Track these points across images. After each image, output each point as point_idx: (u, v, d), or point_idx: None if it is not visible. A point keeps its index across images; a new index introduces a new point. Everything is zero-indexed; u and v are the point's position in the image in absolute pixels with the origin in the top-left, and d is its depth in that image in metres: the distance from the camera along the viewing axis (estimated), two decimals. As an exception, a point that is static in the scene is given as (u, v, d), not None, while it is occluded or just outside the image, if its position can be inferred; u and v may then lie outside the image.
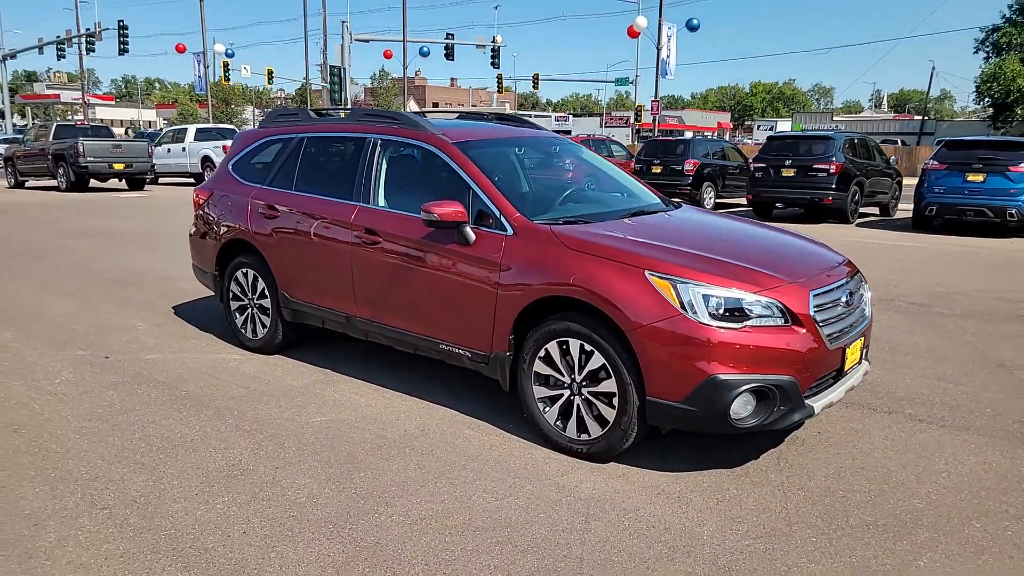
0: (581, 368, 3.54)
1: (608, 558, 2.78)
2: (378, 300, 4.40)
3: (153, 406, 4.30)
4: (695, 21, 25.05)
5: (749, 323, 3.20)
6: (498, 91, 55.13)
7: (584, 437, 3.58)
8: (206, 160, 22.57)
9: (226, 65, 43.12)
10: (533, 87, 56.30)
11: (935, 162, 12.98)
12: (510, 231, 3.82)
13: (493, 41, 42.79)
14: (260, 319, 5.24)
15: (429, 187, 4.33)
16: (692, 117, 75.22)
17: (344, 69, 37.32)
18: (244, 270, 5.26)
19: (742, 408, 3.20)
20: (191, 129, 23.77)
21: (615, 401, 3.42)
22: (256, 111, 78.47)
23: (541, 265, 3.61)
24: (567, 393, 3.63)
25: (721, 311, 3.21)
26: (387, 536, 2.93)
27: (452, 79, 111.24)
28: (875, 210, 16.37)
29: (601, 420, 3.51)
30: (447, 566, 2.72)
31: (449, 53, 40.71)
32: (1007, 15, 46.12)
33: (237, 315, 5.41)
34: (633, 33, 24.86)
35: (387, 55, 35.67)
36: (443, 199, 3.96)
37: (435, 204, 3.87)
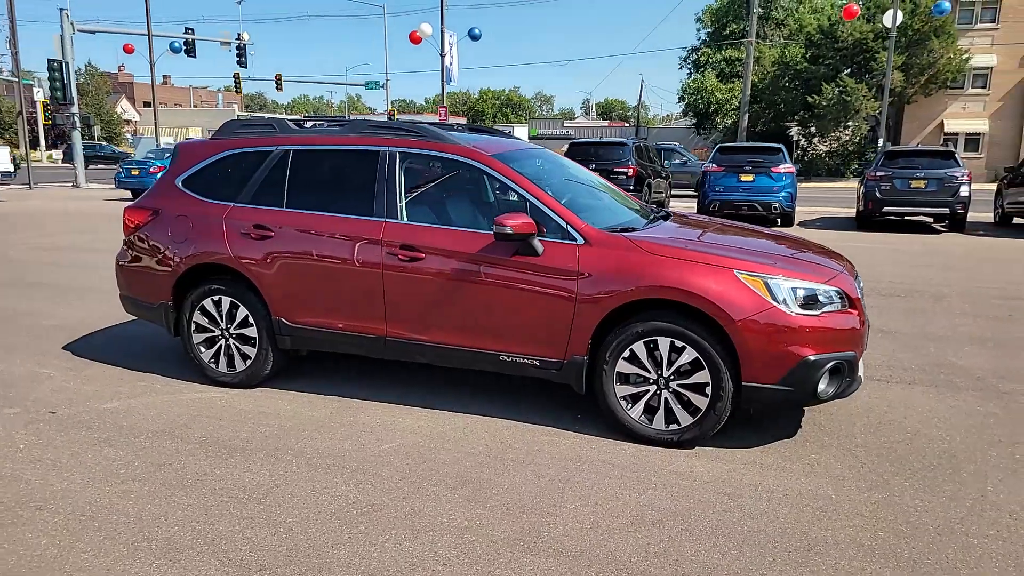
0: (670, 364, 3.85)
1: (786, 527, 3.15)
2: (420, 317, 4.30)
3: (184, 457, 3.80)
4: (476, 31, 26.07)
5: (824, 309, 3.77)
6: (236, 91, 52.02)
7: (673, 427, 3.90)
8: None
9: None
10: (277, 88, 53.89)
11: (714, 165, 15.04)
12: (580, 240, 4.01)
13: (239, 38, 40.33)
14: (240, 351, 4.77)
15: (474, 201, 4.34)
16: (430, 122, 77.09)
17: (66, 63, 32.73)
18: (216, 298, 4.74)
19: (824, 383, 3.76)
20: None
21: (707, 390, 3.80)
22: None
23: (629, 271, 3.86)
24: (653, 388, 3.92)
25: (804, 301, 3.74)
26: (592, 542, 3.02)
27: (165, 76, 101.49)
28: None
29: (691, 409, 3.86)
30: (668, 558, 2.91)
31: (190, 49, 37.55)
32: (703, 39, 53.82)
33: (203, 348, 4.86)
34: (415, 39, 25.10)
35: (128, 49, 31.87)
36: (509, 212, 4.02)
37: (507, 217, 3.93)
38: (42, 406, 4.52)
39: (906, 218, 15.29)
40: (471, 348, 4.24)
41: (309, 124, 4.97)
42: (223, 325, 4.77)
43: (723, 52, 49.14)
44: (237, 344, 4.77)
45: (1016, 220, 16.21)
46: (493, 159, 4.33)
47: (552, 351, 4.08)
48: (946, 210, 14.12)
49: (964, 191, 14.02)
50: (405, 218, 4.37)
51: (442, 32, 25.74)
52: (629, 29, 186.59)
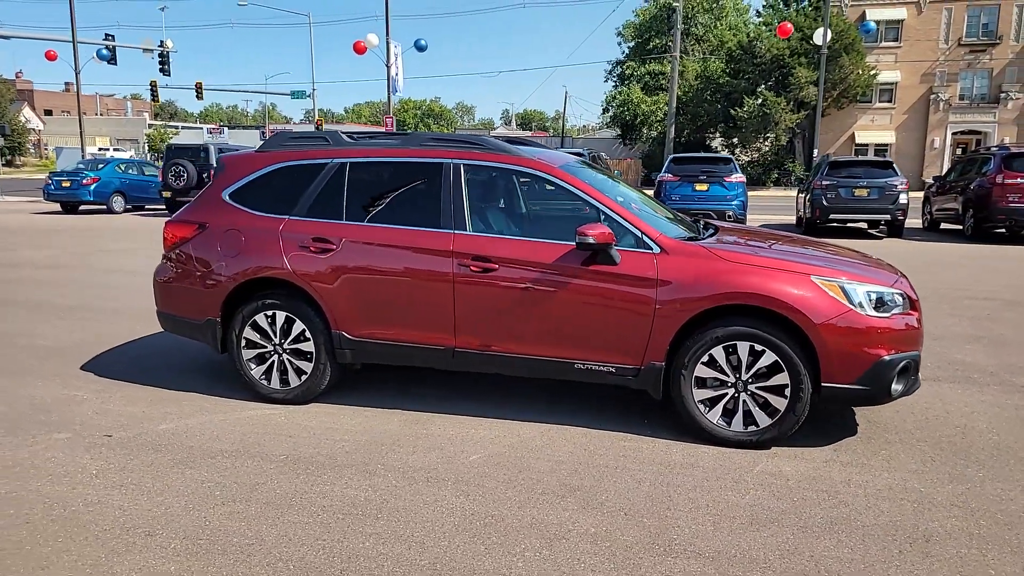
0: (749, 367, 4.01)
1: (895, 520, 3.33)
2: (492, 328, 4.32)
3: (273, 476, 3.70)
4: (423, 42, 25.96)
5: (893, 311, 4.01)
6: (153, 99, 50.05)
7: (752, 428, 4.06)
8: None
9: None
10: (197, 96, 52.16)
11: (669, 175, 15.51)
12: (657, 249, 4.13)
13: (162, 45, 38.85)
14: (295, 366, 4.66)
15: (541, 212, 4.38)
16: (352, 131, 75.97)
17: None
18: (269, 313, 4.63)
19: (896, 382, 3.99)
20: None
21: (786, 392, 3.97)
22: None
23: (710, 279, 4.00)
24: (731, 392, 4.07)
25: (876, 304, 3.97)
26: (723, 542, 3.12)
27: (67, 84, 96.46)
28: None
29: (769, 411, 4.03)
30: (802, 555, 3.04)
31: (112, 56, 35.92)
32: (626, 52, 55.25)
33: (253, 365, 4.72)
34: (360, 49, 24.77)
35: (50, 56, 30.18)
36: (588, 223, 4.11)
37: (588, 227, 4.02)
38: (93, 430, 4.30)
39: (848, 224, 16.15)
40: (545, 357, 4.29)
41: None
42: (276, 340, 4.66)
43: (647, 66, 50.55)
44: (291, 359, 4.66)
45: (943, 225, 17.38)
46: (561, 171, 4.41)
47: (629, 358, 4.17)
48: (887, 217, 15.01)
49: (903, 199, 14.95)
50: (473, 229, 4.38)
51: (387, 43, 25.56)
52: (550, 43, 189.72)
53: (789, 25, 28.37)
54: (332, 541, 3.10)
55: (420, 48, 26.04)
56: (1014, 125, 40.89)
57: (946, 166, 40.13)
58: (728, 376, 4.06)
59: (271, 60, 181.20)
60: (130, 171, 23.08)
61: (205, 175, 20.35)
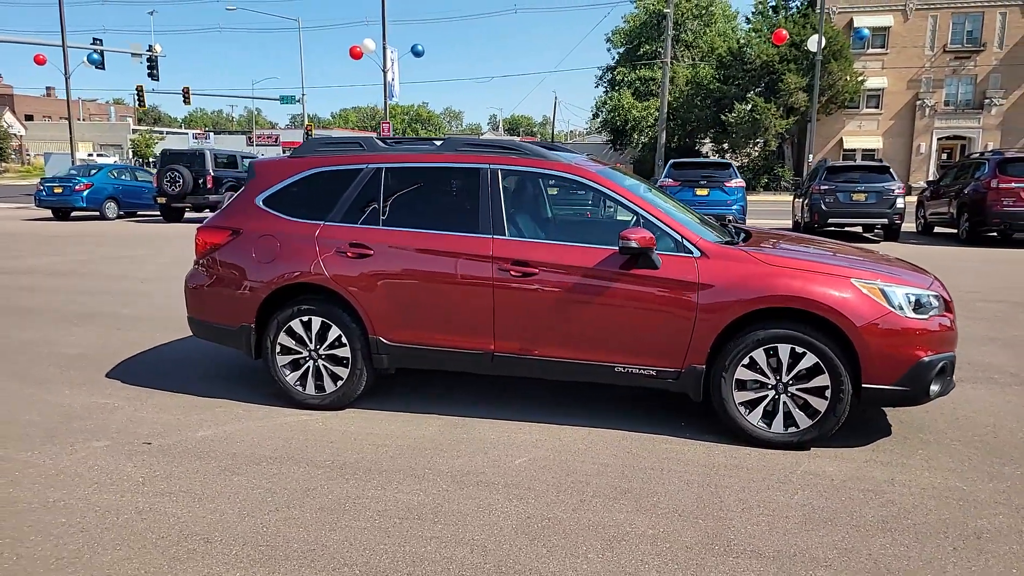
0: (790, 369, 4.06)
1: (944, 518, 3.38)
2: (531, 332, 4.34)
3: (323, 481, 3.70)
4: (419, 47, 25.96)
5: (931, 313, 4.07)
6: (139, 104, 49.75)
7: (792, 430, 4.11)
8: None
9: None
10: (184, 101, 51.85)
11: (670, 180, 15.61)
12: (697, 253, 4.17)
13: (150, 50, 38.66)
14: (330, 372, 4.66)
15: (578, 216, 4.41)
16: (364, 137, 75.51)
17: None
18: (305, 319, 4.63)
19: (934, 382, 4.05)
20: None
21: (827, 393, 4.02)
22: None
23: (752, 282, 4.04)
24: (771, 394, 4.12)
25: (915, 306, 4.02)
26: (781, 542, 3.16)
27: (48, 89, 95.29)
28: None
29: (809, 412, 4.07)
30: (860, 553, 3.08)
31: (100, 61, 35.70)
32: (616, 58, 55.52)
33: (288, 371, 4.72)
34: (356, 55, 24.74)
35: (39, 60, 29.93)
36: (629, 228, 4.14)
37: (631, 231, 4.06)
38: (131, 437, 4.28)
39: (845, 228, 16.31)
40: (585, 361, 4.32)
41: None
42: (312, 346, 4.65)
43: (638, 71, 50.80)
44: (327, 365, 4.66)
45: (937, 229, 17.59)
46: (599, 175, 4.45)
47: (670, 361, 4.21)
48: (885, 221, 15.18)
49: (900, 203, 15.13)
50: (511, 234, 4.41)
51: (384, 48, 25.57)
52: (541, 50, 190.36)
53: (784, 32, 28.66)
54: (394, 545, 3.11)
55: (417, 53, 26.04)
56: (998, 131, 41.46)
57: (932, 171, 40.68)
58: (769, 378, 4.10)
59: (259, 65, 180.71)
60: (123, 177, 22.93)
61: (201, 181, 20.29)
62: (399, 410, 4.74)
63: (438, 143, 4.80)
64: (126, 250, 13.91)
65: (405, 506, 3.46)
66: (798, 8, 44.88)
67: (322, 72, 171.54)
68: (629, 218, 4.63)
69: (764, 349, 4.07)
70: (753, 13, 46.28)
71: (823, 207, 15.32)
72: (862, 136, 43.23)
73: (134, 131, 72.70)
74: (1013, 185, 14.16)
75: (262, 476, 3.78)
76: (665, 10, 38.68)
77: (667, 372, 4.23)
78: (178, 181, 20.15)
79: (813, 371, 4.03)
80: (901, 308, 3.98)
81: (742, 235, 4.87)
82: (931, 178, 20.46)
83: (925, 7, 41.50)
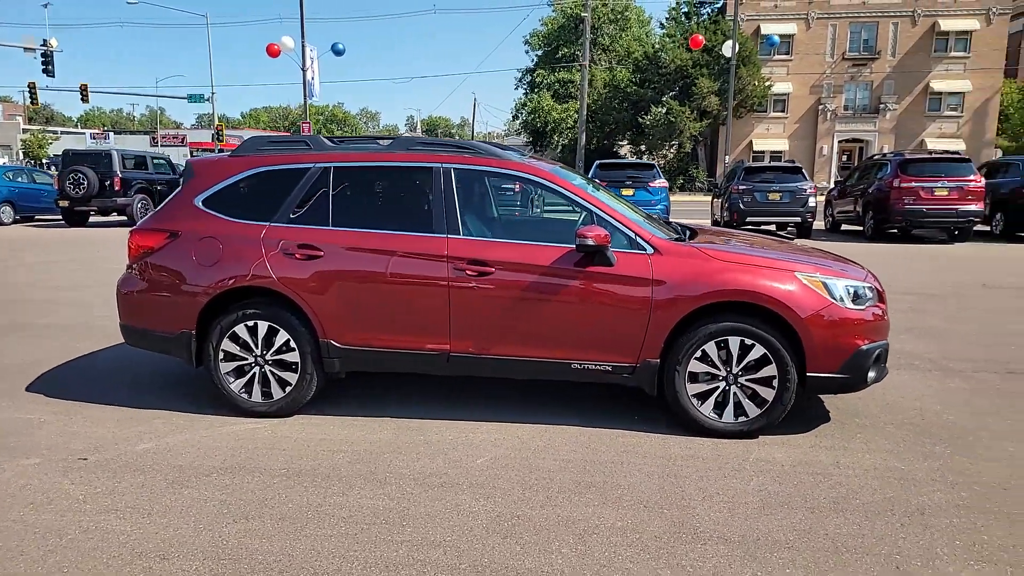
0: (739, 361, 4.20)
1: (888, 496, 3.56)
2: (488, 332, 4.33)
3: (279, 490, 3.58)
4: (340, 46, 25.38)
5: (867, 304, 4.28)
6: (32, 102, 46.89)
7: (742, 419, 4.24)
8: None
9: None
10: (82, 99, 49.21)
11: (597, 180, 15.84)
12: (650, 250, 4.26)
13: (45, 44, 36.53)
14: (278, 377, 4.52)
15: (533, 215, 4.42)
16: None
17: None
18: (251, 323, 4.47)
19: (872, 369, 4.26)
20: None
21: (774, 383, 4.17)
22: None
23: (704, 277, 4.15)
24: (722, 385, 4.24)
25: (854, 297, 4.23)
26: (744, 527, 3.26)
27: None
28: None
29: (758, 401, 4.22)
30: (818, 533, 3.21)
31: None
32: (534, 60, 56.12)
33: (232, 378, 4.54)
34: (273, 52, 23.97)
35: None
36: (584, 226, 4.19)
37: (587, 229, 4.11)
38: (64, 453, 4.02)
39: (761, 227, 16.97)
40: (542, 359, 4.34)
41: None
42: (258, 352, 4.50)
43: (557, 74, 51.47)
44: (274, 371, 4.52)
45: (844, 227, 18.54)
46: (553, 174, 4.48)
47: (625, 356, 4.28)
48: (798, 219, 15.89)
49: (811, 202, 15.86)
50: (466, 233, 4.38)
51: (303, 46, 24.94)
52: (459, 52, 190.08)
53: (701, 37, 29.56)
54: (364, 552, 3.04)
55: (337, 52, 25.50)
56: (892, 134, 44.06)
57: (833, 172, 42.86)
58: (720, 370, 4.22)
59: (163, 62, 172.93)
60: (20, 179, 21.55)
61: (108, 183, 19.30)
62: (350, 414, 4.64)
63: (386, 142, 4.72)
64: (30, 256, 13.08)
65: (370, 511, 3.39)
66: (709, 15, 46.49)
67: (233, 71, 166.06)
68: (578, 216, 4.69)
69: (715, 342, 4.19)
70: (667, 19, 47.66)
71: (741, 206, 15.90)
72: (770, 138, 45.11)
73: (24, 131, 68.36)
74: (913, 184, 15.06)
75: (214, 488, 3.62)
76: (583, 14, 39.34)
77: (623, 367, 4.29)
78: (82, 183, 19.09)
79: (761, 362, 4.17)
80: (842, 300, 4.17)
81: (688, 232, 5.00)
82: (837, 178, 21.60)
83: (825, 16, 43.69)
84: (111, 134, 70.76)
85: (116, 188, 19.16)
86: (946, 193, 14.86)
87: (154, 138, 69.05)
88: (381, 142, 4.80)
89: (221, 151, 42.86)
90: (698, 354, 4.21)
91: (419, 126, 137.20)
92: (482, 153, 4.53)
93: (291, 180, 4.55)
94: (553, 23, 52.84)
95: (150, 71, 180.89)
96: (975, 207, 14.85)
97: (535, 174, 4.47)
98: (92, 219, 20.69)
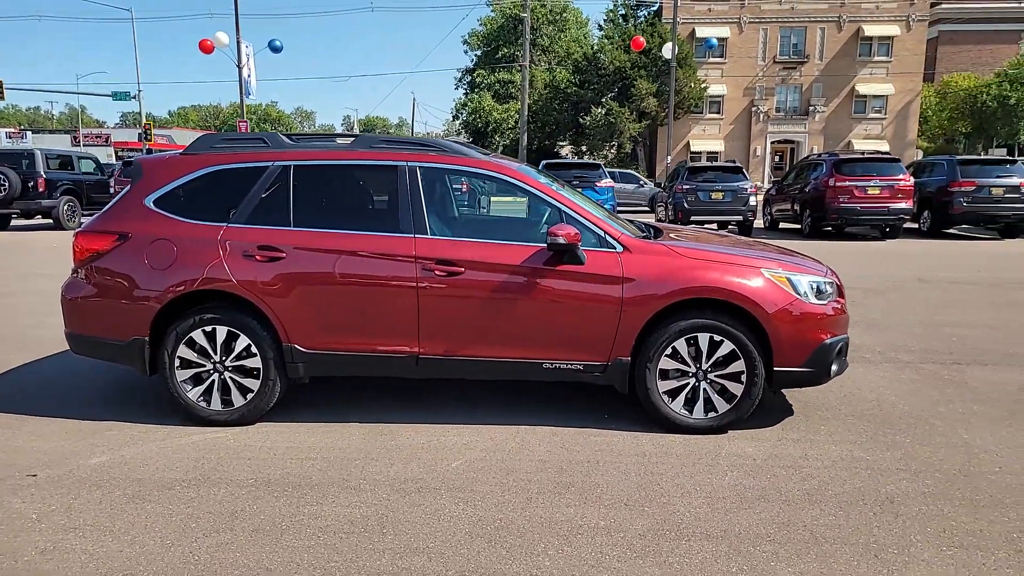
0: (709, 356, 4.24)
1: (858, 486, 3.65)
2: (458, 333, 4.26)
3: (249, 502, 3.44)
4: (278, 43, 24.69)
5: (828, 299, 4.38)
6: (-57, 101, 44.44)
7: (712, 414, 4.29)
8: None
9: None
10: (-2, 97, 46.83)
11: (543, 180, 15.92)
12: (620, 248, 4.26)
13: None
14: (238, 384, 4.35)
15: (508, 215, 4.38)
16: (182, 136, 71.22)
17: None
18: (208, 328, 4.29)
19: (835, 363, 4.37)
20: None
21: (743, 378, 4.23)
22: None
23: (674, 275, 4.17)
24: (692, 381, 4.28)
25: (816, 293, 4.32)
26: (725, 521, 3.29)
27: None
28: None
29: (727, 396, 4.27)
30: (796, 526, 3.26)
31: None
32: (474, 60, 56.07)
33: (189, 386, 4.35)
34: (207, 48, 23.15)
35: None
36: (555, 224, 4.17)
37: (558, 228, 4.09)
38: (11, 470, 3.78)
39: (704, 225, 17.32)
40: (513, 359, 4.29)
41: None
42: (216, 358, 4.32)
43: (497, 74, 51.51)
44: (234, 377, 4.35)
45: (782, 225, 19.09)
46: (521, 173, 4.44)
47: (597, 355, 4.27)
48: (740, 217, 16.28)
49: (752, 201, 16.28)
50: (433, 233, 4.31)
51: (238, 43, 24.24)
52: (398, 50, 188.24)
53: (642, 39, 29.96)
54: (346, 562, 2.94)
55: (275, 49, 24.85)
56: (821, 135, 45.61)
57: (767, 172, 44.12)
58: (690, 367, 4.26)
59: (84, 58, 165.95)
60: (-67, 181, 20.31)
61: (31, 184, 18.36)
62: (315, 420, 4.51)
63: (348, 140, 4.61)
64: (-50, 262, 12.33)
65: (347, 520, 3.29)
66: (645, 17, 47.24)
67: (159, 68, 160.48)
68: (543, 216, 4.66)
69: (685, 339, 4.22)
70: (604, 20, 48.23)
71: (686, 205, 16.21)
72: (706, 139, 46.13)
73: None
74: (848, 184, 15.61)
75: (178, 501, 3.46)
76: (522, 15, 39.45)
77: (594, 366, 4.29)
78: (3, 184, 18.12)
79: (729, 358, 4.22)
80: (805, 295, 4.26)
81: (652, 231, 5.03)
82: (773, 178, 22.31)
83: (757, 20, 44.91)
84: (29, 133, 67.43)
85: (40, 190, 18.24)
86: (878, 192, 15.45)
87: (75, 137, 66.11)
88: (340, 140, 4.68)
89: (150, 151, 41.38)
90: (668, 351, 4.24)
91: (356, 126, 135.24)
92: (447, 151, 4.46)
93: (249, 179, 4.39)
94: (492, 23, 52.88)
95: (70, 67, 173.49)
96: (905, 205, 15.49)
97: (503, 172, 4.42)
98: (14, 222, 19.68)
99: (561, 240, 4.06)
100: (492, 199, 8.66)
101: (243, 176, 4.40)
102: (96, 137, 66.39)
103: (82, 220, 19.32)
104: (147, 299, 4.28)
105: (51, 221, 18.84)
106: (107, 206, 4.57)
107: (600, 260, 4.22)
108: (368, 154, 4.43)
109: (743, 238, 5.48)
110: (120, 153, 58.68)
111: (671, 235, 4.87)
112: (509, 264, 4.21)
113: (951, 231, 17.42)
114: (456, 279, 4.21)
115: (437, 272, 4.21)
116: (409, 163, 4.38)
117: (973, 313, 7.89)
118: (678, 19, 43.88)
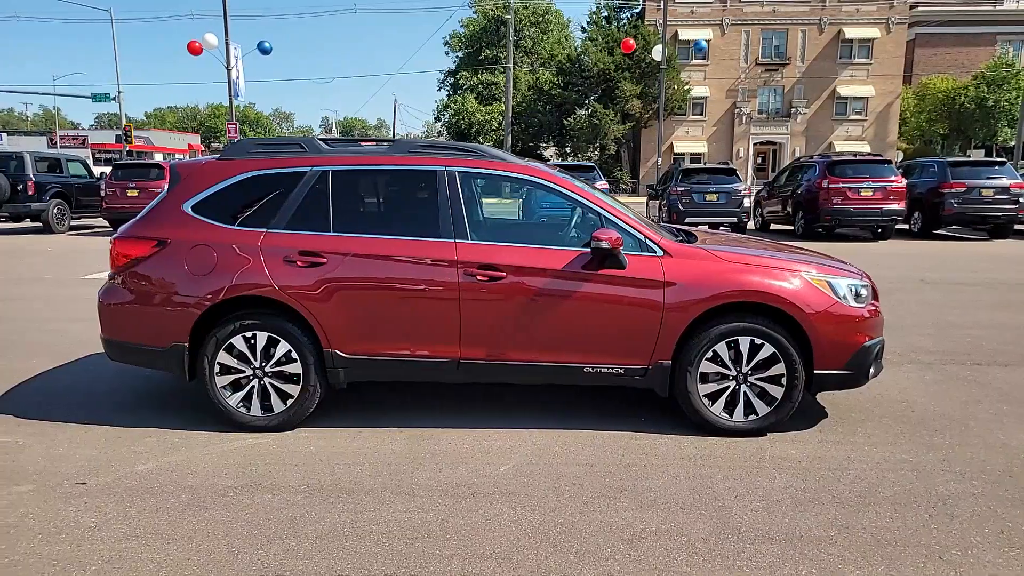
0: (749, 360, 4.27)
1: (909, 488, 3.70)
2: (500, 337, 4.26)
3: (305, 508, 3.42)
4: (267, 44, 24.45)
5: (866, 301, 4.43)
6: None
7: (752, 417, 4.33)
8: None
9: None
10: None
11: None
12: (660, 252, 4.29)
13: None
14: (278, 390, 4.32)
15: (550, 219, 4.39)
16: (160, 138, 70.36)
17: None
18: (248, 334, 4.26)
19: (872, 365, 4.42)
20: None
21: (783, 381, 4.27)
22: None
23: (715, 279, 4.20)
24: (733, 384, 4.31)
25: (855, 296, 4.37)
26: (785, 524, 3.31)
27: None
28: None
29: (767, 399, 4.31)
30: (857, 528, 3.30)
31: None
32: (456, 61, 56.00)
33: (228, 392, 4.32)
34: (195, 50, 22.88)
35: None
36: (603, 228, 4.18)
37: (602, 232, 4.10)
38: (59, 478, 3.73)
39: (698, 226, 17.45)
40: (554, 363, 4.30)
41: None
42: (256, 363, 4.29)
43: (480, 76, 51.48)
44: (274, 383, 4.32)
45: (773, 226, 19.26)
46: (560, 178, 4.45)
47: (637, 359, 4.29)
48: (734, 219, 16.41)
49: (746, 203, 16.42)
50: (474, 238, 4.30)
51: (227, 44, 23.99)
52: (378, 52, 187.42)
53: (632, 42, 30.07)
54: (415, 567, 2.94)
55: (264, 51, 24.62)
56: (803, 136, 46.13)
57: (750, 174, 44.49)
58: (730, 370, 4.29)
59: (61, 59, 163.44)
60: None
61: (20, 187, 18.07)
62: (355, 426, 4.48)
63: (385, 144, 4.59)
64: (-59, 266, 12.09)
65: (408, 525, 3.28)
66: (628, 20, 47.46)
67: (138, 69, 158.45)
68: (579, 219, 4.67)
69: (726, 342, 4.25)
70: (588, 23, 48.37)
71: (680, 207, 16.32)
72: (690, 141, 46.45)
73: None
74: (840, 185, 15.79)
75: (235, 508, 3.43)
76: (506, 16, 39.47)
77: (635, 370, 4.31)
78: (-10, 187, 17.82)
79: (770, 361, 4.26)
80: (845, 298, 4.31)
81: (685, 235, 5.06)
82: (759, 180, 22.58)
83: (739, 23, 45.33)
84: (3, 135, 66.25)
85: (30, 192, 17.96)
86: (871, 193, 15.65)
87: (51, 139, 65.02)
88: (369, 144, 4.67)
89: (129, 153, 40.83)
90: (709, 354, 4.27)
91: (335, 127, 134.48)
92: (485, 156, 4.46)
93: (288, 184, 4.36)
94: (474, 25, 52.85)
95: (45, 68, 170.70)
96: (898, 206, 15.70)
97: (542, 177, 4.43)
98: (3, 226, 19.35)
99: (604, 244, 4.07)
100: (483, 200, 8.62)
101: (282, 181, 4.37)
102: (73, 139, 65.29)
103: (71, 223, 19.05)
104: (187, 305, 4.24)
105: (40, 224, 18.54)
106: (143, 211, 4.51)
107: (641, 264, 4.24)
108: (406, 159, 4.41)
109: (775, 242, 5.52)
110: (97, 155, 57.72)
111: (707, 239, 4.90)
112: (551, 268, 4.22)
113: (941, 232, 17.68)
114: (498, 284, 4.21)
115: (479, 277, 4.20)
116: (448, 168, 4.37)
117: (980, 314, 8.02)
118: (661, 21, 44.30)
